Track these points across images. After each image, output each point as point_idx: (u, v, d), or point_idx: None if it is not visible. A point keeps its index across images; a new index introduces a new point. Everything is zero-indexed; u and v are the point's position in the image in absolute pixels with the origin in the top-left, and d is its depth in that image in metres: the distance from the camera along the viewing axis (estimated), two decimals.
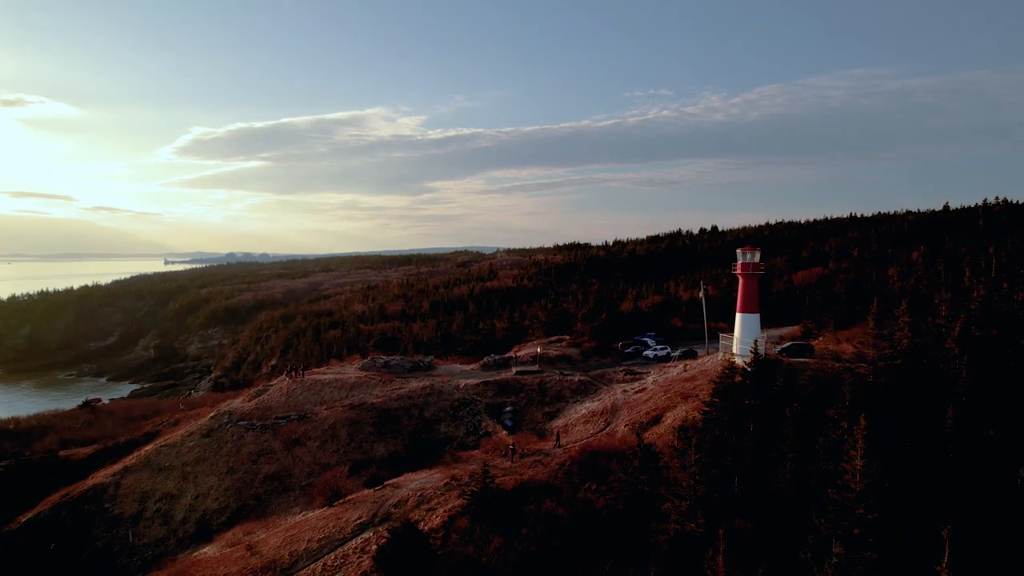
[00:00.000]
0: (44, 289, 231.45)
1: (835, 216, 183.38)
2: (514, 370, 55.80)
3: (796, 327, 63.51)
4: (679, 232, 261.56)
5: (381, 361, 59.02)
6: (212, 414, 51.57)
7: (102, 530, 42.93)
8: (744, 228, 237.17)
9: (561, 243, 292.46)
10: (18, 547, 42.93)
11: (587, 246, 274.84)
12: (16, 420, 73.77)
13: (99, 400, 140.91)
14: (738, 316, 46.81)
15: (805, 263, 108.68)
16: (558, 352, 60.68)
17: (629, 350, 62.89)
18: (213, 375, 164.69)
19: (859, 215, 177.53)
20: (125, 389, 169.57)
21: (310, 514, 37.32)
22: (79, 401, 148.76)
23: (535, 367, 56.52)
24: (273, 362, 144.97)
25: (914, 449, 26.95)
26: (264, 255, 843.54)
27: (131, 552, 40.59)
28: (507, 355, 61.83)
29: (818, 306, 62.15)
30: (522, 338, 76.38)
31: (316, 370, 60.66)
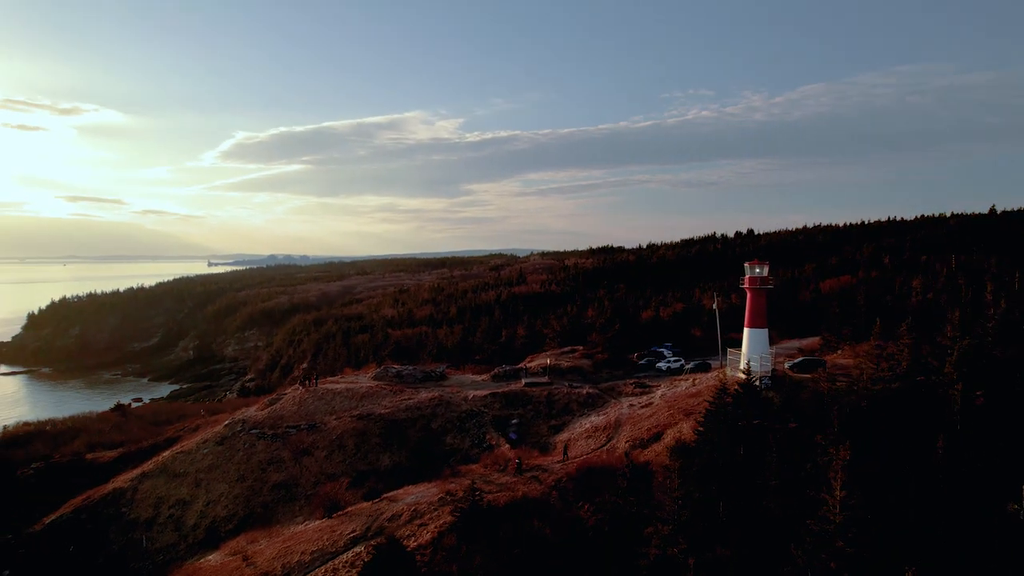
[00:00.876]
0: (92, 291, 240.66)
1: (875, 220, 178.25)
2: (523, 382, 55.85)
3: (816, 339, 62.14)
4: (712, 236, 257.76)
5: (394, 371, 59.79)
6: (227, 422, 53.03)
7: (118, 534, 44.54)
8: (780, 232, 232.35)
9: (596, 246, 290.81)
10: (40, 548, 44.87)
11: (619, 250, 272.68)
12: (52, 422, 76.91)
13: (138, 400, 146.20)
14: (746, 331, 45.97)
15: (835, 271, 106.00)
16: (570, 363, 60.52)
17: (643, 362, 62.32)
18: (247, 377, 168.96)
19: (898, 219, 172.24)
20: (165, 389, 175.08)
21: (308, 525, 38.10)
22: (122, 400, 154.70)
23: (545, 379, 56.47)
24: (304, 365, 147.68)
25: (900, 480, 26.10)
26: (304, 257, 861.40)
27: (143, 557, 42.02)
28: (519, 366, 61.92)
29: (838, 318, 60.62)
30: (540, 347, 76.34)
31: (330, 379, 61.80)
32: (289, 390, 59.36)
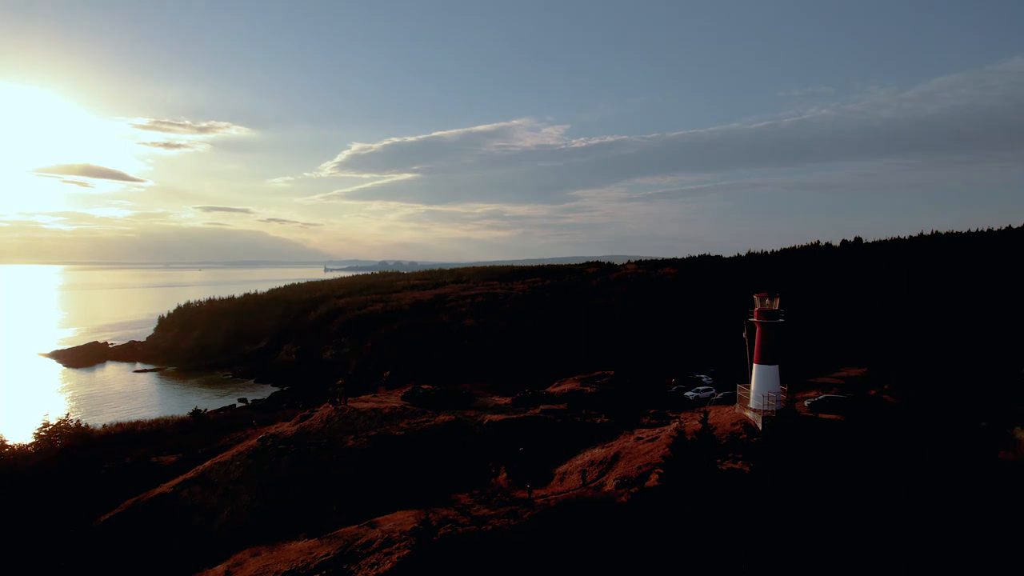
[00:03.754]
0: (212, 297, 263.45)
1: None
2: (540, 408, 55.78)
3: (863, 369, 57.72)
4: (815, 244, 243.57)
5: (421, 391, 61.61)
6: (260, 436, 56.89)
7: (153, 538, 49.01)
8: (893, 239, 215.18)
9: (698, 253, 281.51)
10: (92, 545, 50.28)
11: (716, 259, 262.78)
12: (140, 423, 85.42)
13: (243, 401, 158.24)
14: (754, 367, 43.60)
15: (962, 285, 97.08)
16: (594, 389, 59.69)
17: (673, 389, 60.39)
18: (337, 383, 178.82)
19: None
20: (268, 391, 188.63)
21: (295, 544, 40.26)
22: (231, 400, 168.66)
23: (562, 406, 56.09)
24: (387, 373, 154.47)
25: None
26: (413, 263, 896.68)
27: (164, 564, 46.00)
28: (544, 390, 61.86)
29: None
30: (583, 368, 75.70)
31: (364, 397, 64.62)
32: (320, 408, 62.75)
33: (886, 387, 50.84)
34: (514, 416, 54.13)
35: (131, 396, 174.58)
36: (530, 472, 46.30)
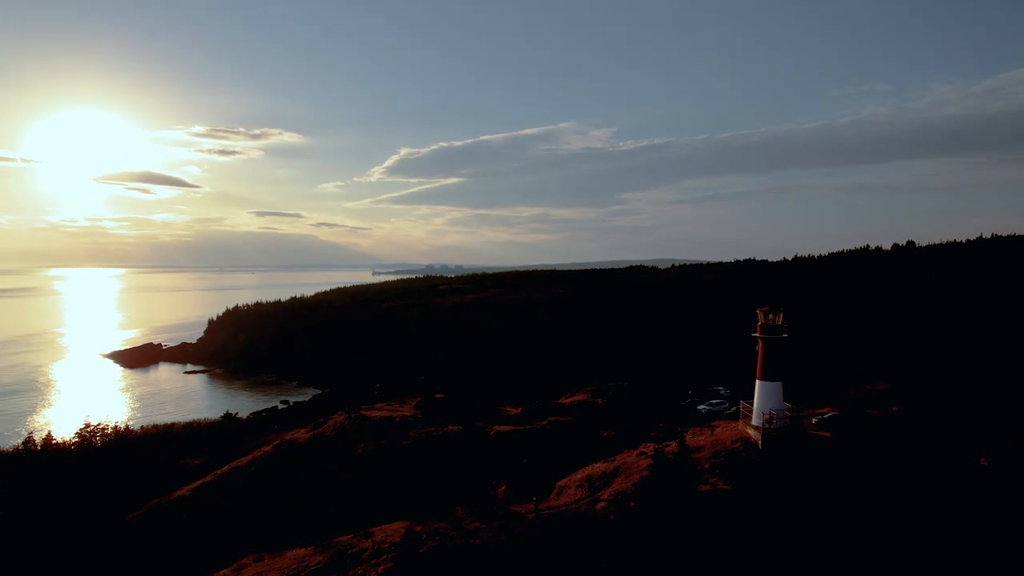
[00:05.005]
0: (259, 300, 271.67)
1: None
2: (548, 420, 55.67)
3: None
4: (864, 248, 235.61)
5: (434, 401, 62.24)
6: (276, 442, 58.49)
7: (169, 541, 50.93)
8: (949, 243, 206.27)
9: (744, 257, 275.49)
10: (115, 542, 52.60)
11: (763, 263, 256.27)
12: (176, 425, 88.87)
13: (285, 402, 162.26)
14: (757, 384, 42.53)
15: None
16: (604, 400, 59.20)
17: (687, 401, 59.42)
18: (376, 387, 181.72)
19: None
20: (309, 394, 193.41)
21: (293, 552, 41.21)
22: (274, 402, 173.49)
23: (570, 418, 55.83)
24: (422, 378, 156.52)
25: None
26: (459, 266, 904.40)
27: (178, 566, 47.74)
28: (555, 401, 61.67)
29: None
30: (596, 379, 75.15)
31: (378, 405, 65.66)
32: (335, 416, 64.03)
33: (896, 407, 48.90)
34: (521, 428, 54.19)
35: (180, 397, 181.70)
36: (530, 485, 46.24)
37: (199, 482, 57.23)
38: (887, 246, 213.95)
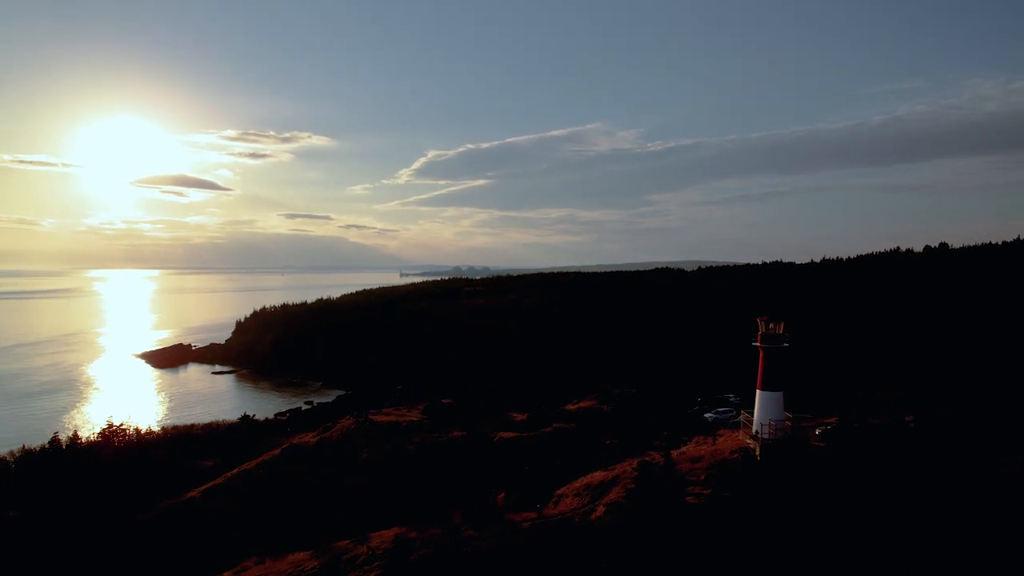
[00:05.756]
0: (286, 302, 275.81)
1: None
2: (552, 426, 55.53)
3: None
4: (896, 250, 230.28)
5: (440, 406, 62.57)
6: (284, 446, 59.34)
7: (178, 542, 51.98)
8: (984, 245, 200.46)
9: (772, 260, 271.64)
10: (127, 542, 53.86)
11: (789, 265, 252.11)
12: (195, 426, 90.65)
13: (309, 403, 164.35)
14: (757, 393, 41.86)
15: None
16: (610, 407, 58.83)
17: (694, 409, 58.76)
18: (398, 388, 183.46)
19: None
20: (333, 395, 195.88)
21: (292, 556, 41.76)
22: (298, 403, 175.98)
23: (574, 425, 55.62)
24: (429, 385, 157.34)
25: None
26: (485, 268, 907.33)
27: (184, 568, 48.67)
28: (561, 407, 61.50)
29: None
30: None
31: (386, 410, 66.21)
32: (342, 421, 64.72)
33: (910, 417, 47.66)
34: (525, 434, 54.17)
35: (207, 397, 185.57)
36: (530, 493, 46.15)
37: (209, 484, 58.33)
38: (920, 248, 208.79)
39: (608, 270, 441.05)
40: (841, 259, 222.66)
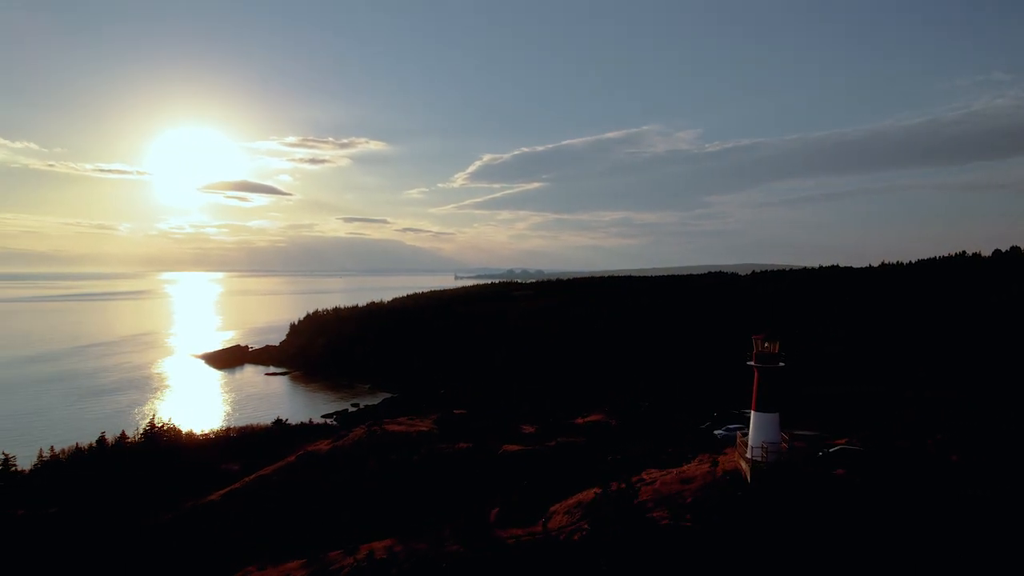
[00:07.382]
0: (338, 305, 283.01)
1: None
2: (556, 441, 55.23)
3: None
4: (961, 254, 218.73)
5: (452, 418, 63.10)
6: (299, 453, 61.09)
7: (188, 542, 54.21)
8: None
9: (831, 263, 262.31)
10: (150, 542, 56.51)
11: (846, 270, 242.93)
12: (232, 429, 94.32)
13: (355, 405, 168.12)
14: (752, 415, 40.56)
15: None
16: (618, 421, 58.05)
17: (705, 424, 57.36)
18: (440, 391, 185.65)
19: None
20: (380, 396, 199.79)
21: (286, 565, 42.99)
22: (345, 404, 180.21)
23: (581, 439, 55.15)
24: (441, 391, 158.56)
25: None
26: (539, 271, 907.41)
27: (191, 570, 50.71)
28: (570, 420, 61.05)
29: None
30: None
31: (400, 419, 67.20)
32: (356, 430, 66.06)
33: (939, 436, 45.16)
34: (529, 448, 54.05)
35: (260, 397, 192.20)
36: (525, 509, 46.09)
37: (230, 488, 60.58)
38: (990, 251, 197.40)
39: (662, 274, 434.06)
40: (901, 263, 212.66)
